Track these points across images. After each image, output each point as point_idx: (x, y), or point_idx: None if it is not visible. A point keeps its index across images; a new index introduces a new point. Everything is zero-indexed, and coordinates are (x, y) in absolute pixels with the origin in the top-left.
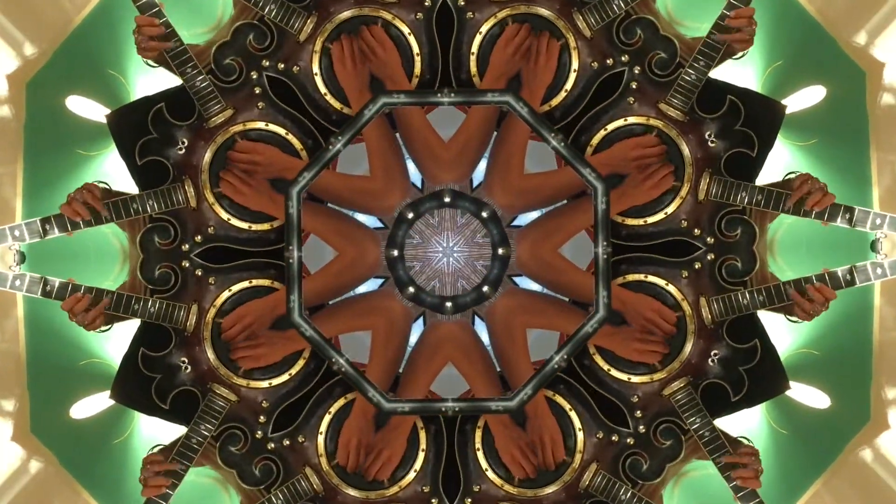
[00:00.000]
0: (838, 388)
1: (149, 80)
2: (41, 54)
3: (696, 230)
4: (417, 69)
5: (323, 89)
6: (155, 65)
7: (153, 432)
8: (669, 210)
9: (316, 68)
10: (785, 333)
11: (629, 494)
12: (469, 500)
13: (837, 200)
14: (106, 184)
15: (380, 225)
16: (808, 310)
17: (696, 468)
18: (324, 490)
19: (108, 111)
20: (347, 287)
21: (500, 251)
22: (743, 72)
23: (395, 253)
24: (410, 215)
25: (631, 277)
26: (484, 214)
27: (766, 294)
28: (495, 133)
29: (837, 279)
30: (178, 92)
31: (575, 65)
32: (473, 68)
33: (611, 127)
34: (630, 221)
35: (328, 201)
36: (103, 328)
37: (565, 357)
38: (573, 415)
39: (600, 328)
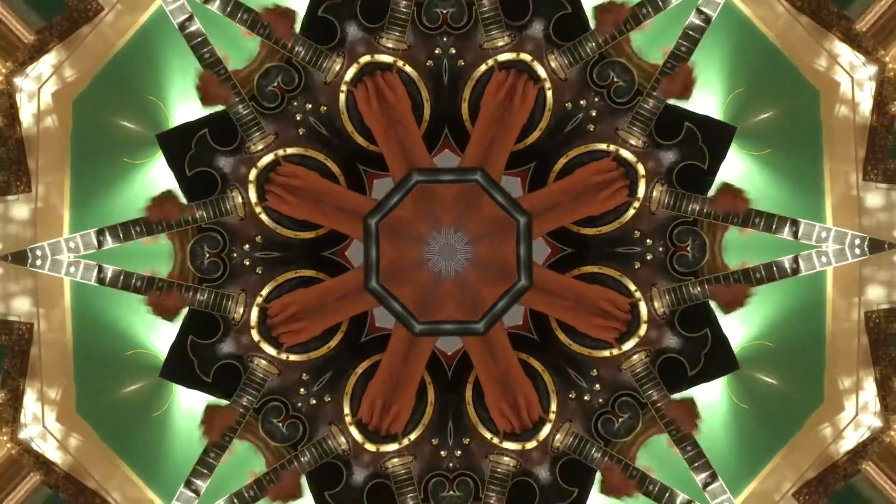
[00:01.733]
0: (793, 377)
1: (187, 105)
2: (82, 78)
3: (648, 240)
4: (427, 114)
5: (350, 128)
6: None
7: (192, 405)
8: (623, 220)
9: (342, 107)
10: (739, 326)
11: (601, 453)
12: (459, 452)
13: (792, 208)
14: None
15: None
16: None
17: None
18: (350, 448)
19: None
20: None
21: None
22: (706, 100)
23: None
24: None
25: (586, 270)
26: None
27: (716, 284)
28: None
29: (784, 268)
30: (220, 118)
31: (550, 104)
32: (466, 114)
33: (572, 154)
34: (584, 231)
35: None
36: None
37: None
38: (546, 376)
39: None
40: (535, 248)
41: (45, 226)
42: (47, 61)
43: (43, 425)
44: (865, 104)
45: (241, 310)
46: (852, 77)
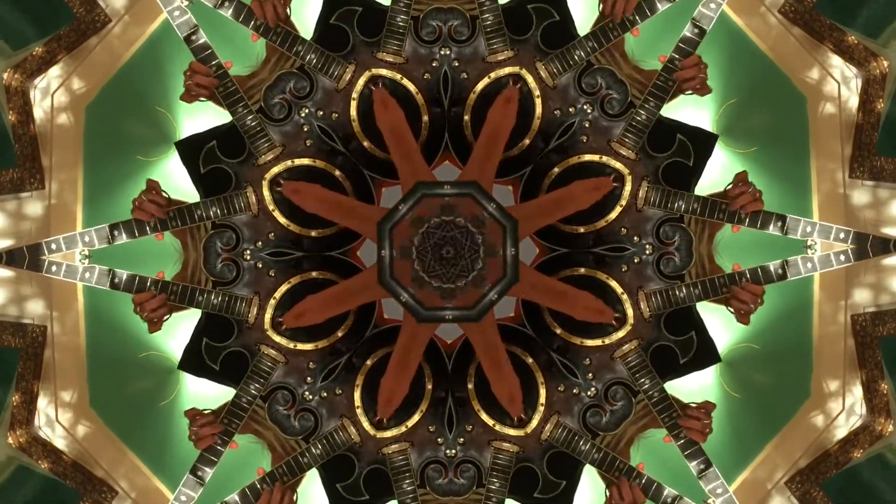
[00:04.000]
0: (779, 381)
1: (194, 117)
2: (90, 90)
3: (635, 237)
4: (424, 125)
5: (360, 135)
6: (204, 99)
7: (198, 394)
8: (610, 217)
9: (353, 114)
10: (725, 328)
11: (588, 446)
12: (462, 439)
13: (779, 206)
14: (165, 192)
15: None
16: (737, 308)
17: (660, 433)
18: (361, 441)
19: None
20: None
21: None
22: (698, 111)
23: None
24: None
25: (571, 272)
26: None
27: (702, 287)
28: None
29: (770, 274)
30: (227, 130)
31: (538, 111)
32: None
33: (565, 165)
34: (570, 228)
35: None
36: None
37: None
38: (535, 369)
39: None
40: (524, 248)
41: (58, 222)
42: (54, 73)
43: (57, 419)
44: (852, 102)
45: (255, 311)
46: (838, 82)
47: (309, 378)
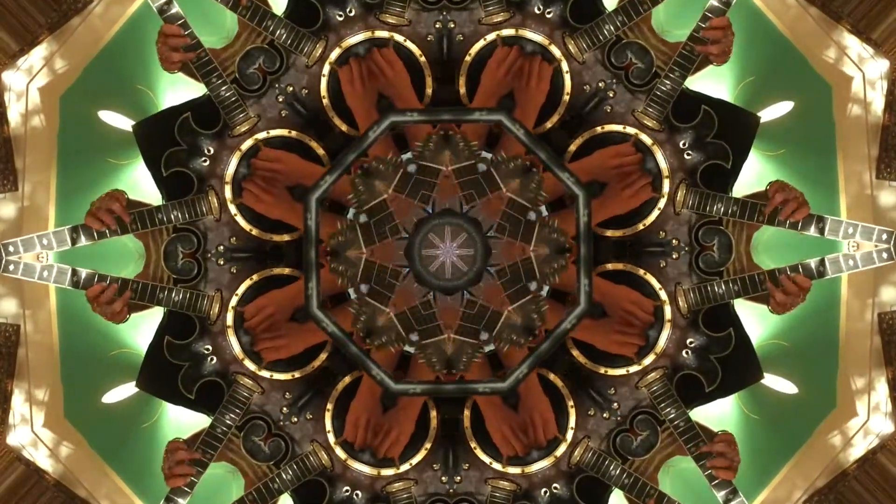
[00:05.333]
0: (806, 377)
1: (176, 93)
2: (72, 69)
3: (673, 241)
4: (429, 88)
5: (330, 112)
6: (176, 71)
7: (181, 417)
8: (648, 221)
9: (324, 91)
10: (755, 324)
11: (619, 470)
12: (458, 478)
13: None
14: (124, 192)
15: None
16: (781, 301)
17: (687, 460)
18: (332, 465)
19: (135, 122)
20: None
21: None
22: (716, 86)
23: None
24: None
25: (610, 267)
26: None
27: (741, 284)
28: None
29: (810, 270)
30: (203, 102)
31: (568, 88)
32: (463, 88)
33: (588, 135)
34: (609, 233)
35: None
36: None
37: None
38: (566, 392)
39: (580, 321)
40: None
41: (31, 224)
42: (38, 54)
43: (32, 430)
44: (878, 103)
45: (217, 308)
46: (864, 72)
47: (285, 408)
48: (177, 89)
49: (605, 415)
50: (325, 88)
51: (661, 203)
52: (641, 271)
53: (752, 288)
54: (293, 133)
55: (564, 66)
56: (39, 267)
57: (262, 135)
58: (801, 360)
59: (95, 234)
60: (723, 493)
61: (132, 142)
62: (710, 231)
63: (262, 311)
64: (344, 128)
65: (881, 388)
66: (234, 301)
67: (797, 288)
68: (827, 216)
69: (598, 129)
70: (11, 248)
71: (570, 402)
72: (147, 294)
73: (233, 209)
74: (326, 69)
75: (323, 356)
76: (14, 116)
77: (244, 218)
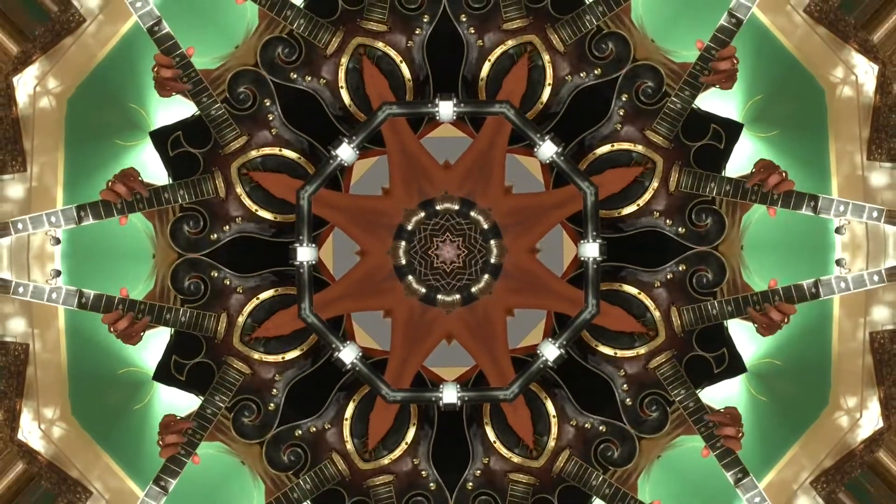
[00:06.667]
0: (799, 395)
1: (168, 112)
2: (64, 89)
3: (667, 220)
4: (409, 96)
5: (347, 100)
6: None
7: (172, 399)
8: (641, 201)
9: (342, 81)
10: (748, 343)
11: (600, 480)
12: (478, 472)
13: (799, 189)
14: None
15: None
16: (767, 326)
17: (674, 445)
18: (350, 475)
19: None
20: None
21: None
22: (723, 105)
23: (403, 260)
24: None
25: (605, 287)
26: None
27: (735, 305)
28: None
29: (803, 292)
30: (194, 121)
31: (549, 79)
32: (483, 94)
33: (599, 152)
34: (604, 213)
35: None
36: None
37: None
38: (548, 403)
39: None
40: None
41: (39, 205)
42: (31, 73)
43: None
44: (869, 85)
45: (223, 328)
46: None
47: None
48: (169, 108)
49: (586, 424)
50: (344, 78)
51: (655, 183)
52: (636, 291)
53: (745, 309)
54: (284, 151)
55: (546, 56)
56: (48, 289)
57: (252, 153)
58: (795, 380)
59: (102, 212)
60: (732, 472)
61: (138, 126)
62: (704, 211)
63: (265, 335)
64: (362, 118)
65: (873, 406)
66: (241, 321)
67: (781, 315)
68: (819, 194)
69: (609, 146)
70: (20, 226)
71: (553, 412)
72: (154, 315)
73: (238, 188)
74: (345, 59)
75: (312, 339)
76: (22, 97)
77: (250, 198)
